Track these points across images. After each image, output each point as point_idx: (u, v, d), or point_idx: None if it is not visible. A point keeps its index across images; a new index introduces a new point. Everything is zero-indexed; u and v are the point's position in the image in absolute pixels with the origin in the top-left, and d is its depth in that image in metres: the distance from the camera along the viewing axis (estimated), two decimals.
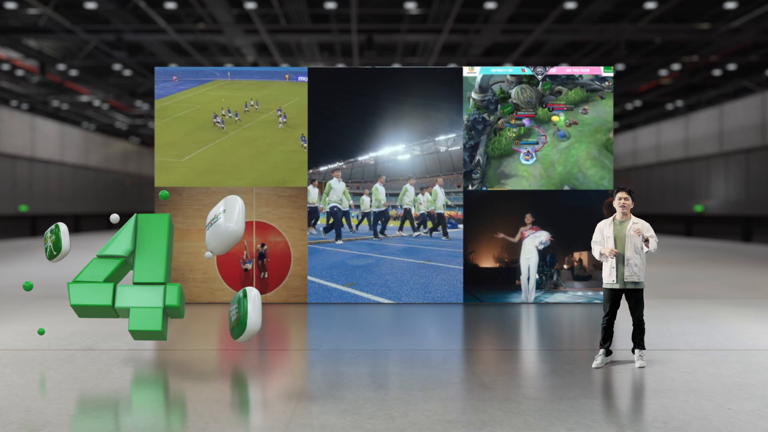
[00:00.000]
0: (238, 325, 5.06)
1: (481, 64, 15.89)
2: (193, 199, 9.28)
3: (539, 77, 9.39)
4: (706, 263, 15.09)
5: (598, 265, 9.05)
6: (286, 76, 9.58)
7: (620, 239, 5.66)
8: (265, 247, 9.25)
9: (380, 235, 9.46)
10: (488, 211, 9.34)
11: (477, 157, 9.29)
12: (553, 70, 9.45)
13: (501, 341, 6.98)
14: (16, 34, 19.61)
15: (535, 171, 9.36)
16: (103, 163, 36.06)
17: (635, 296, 5.71)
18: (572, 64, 22.86)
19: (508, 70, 9.49)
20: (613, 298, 5.72)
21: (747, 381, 5.16)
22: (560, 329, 7.66)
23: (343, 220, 9.43)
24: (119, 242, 5.62)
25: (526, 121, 9.34)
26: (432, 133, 9.44)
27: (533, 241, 9.28)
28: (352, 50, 21.70)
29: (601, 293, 7.15)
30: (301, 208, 9.33)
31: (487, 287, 9.30)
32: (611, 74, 9.46)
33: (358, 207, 9.47)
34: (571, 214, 9.26)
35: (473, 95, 9.35)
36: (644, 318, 5.80)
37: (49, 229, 5.77)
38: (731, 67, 23.55)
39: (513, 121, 9.30)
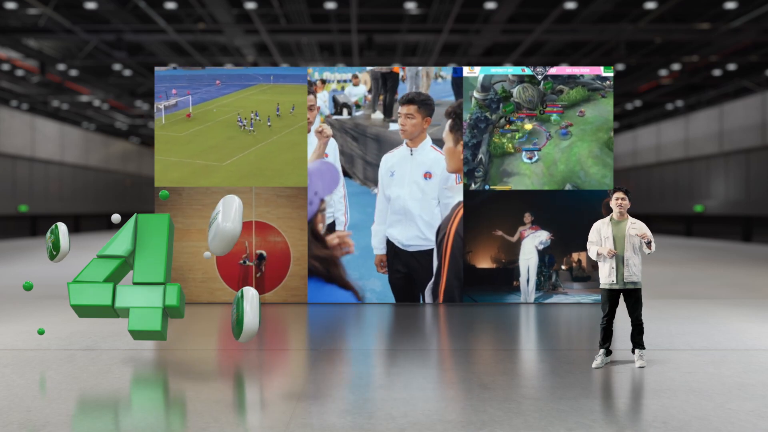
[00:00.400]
0: (237, 325, 5.08)
1: (481, 64, 15.87)
2: (193, 199, 9.29)
3: (539, 77, 9.40)
4: (706, 263, 15.09)
5: (596, 266, 9.03)
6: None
7: (619, 239, 5.66)
8: (265, 256, 9.23)
9: None
10: (487, 210, 9.31)
11: (479, 156, 9.32)
12: (553, 71, 9.45)
13: (501, 341, 6.98)
14: (16, 34, 19.61)
15: (537, 169, 9.36)
16: (103, 163, 36.08)
17: (634, 296, 5.71)
18: (572, 64, 22.86)
19: (508, 70, 9.50)
20: (612, 298, 5.72)
21: (747, 381, 5.16)
22: (559, 329, 7.66)
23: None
24: (119, 242, 5.62)
25: (526, 121, 9.34)
26: None
27: (533, 241, 9.26)
28: (352, 50, 21.70)
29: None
30: (301, 208, 9.33)
31: (485, 288, 9.26)
32: (611, 74, 9.46)
33: None
34: (570, 214, 9.25)
35: (475, 94, 9.38)
36: (644, 318, 5.80)
37: (50, 230, 5.79)
38: (731, 67, 23.55)
39: (507, 126, 9.31)
